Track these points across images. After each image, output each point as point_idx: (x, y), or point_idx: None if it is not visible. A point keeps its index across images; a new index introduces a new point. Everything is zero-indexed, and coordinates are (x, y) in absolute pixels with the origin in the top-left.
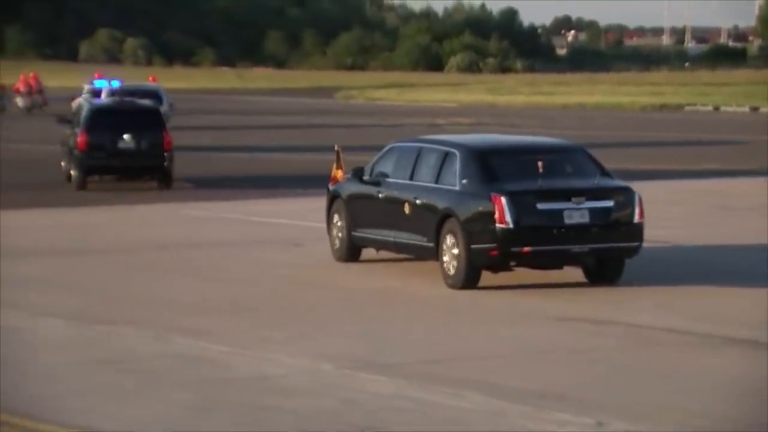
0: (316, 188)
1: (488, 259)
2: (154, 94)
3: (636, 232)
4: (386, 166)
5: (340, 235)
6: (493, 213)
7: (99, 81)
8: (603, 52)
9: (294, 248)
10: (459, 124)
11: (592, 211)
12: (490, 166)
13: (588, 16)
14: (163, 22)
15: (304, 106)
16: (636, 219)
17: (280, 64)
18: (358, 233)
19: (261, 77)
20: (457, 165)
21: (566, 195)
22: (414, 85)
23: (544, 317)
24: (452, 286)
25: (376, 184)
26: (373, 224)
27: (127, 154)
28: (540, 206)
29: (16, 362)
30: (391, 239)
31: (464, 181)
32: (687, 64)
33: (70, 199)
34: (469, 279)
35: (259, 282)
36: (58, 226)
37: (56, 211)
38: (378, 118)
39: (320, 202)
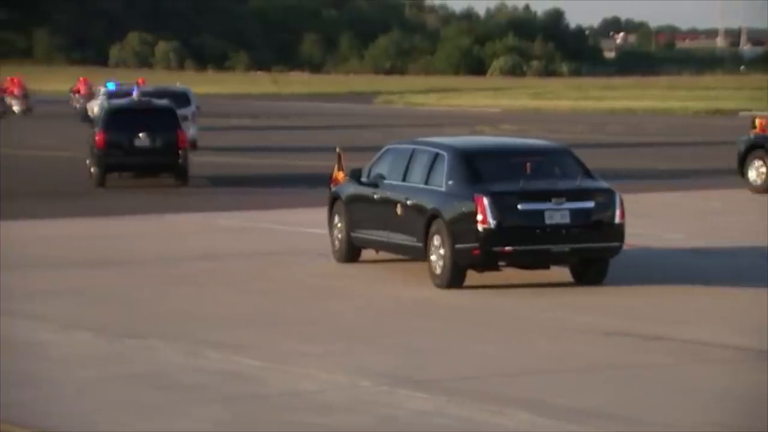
0: None
1: (471, 259)
2: (183, 96)
3: (617, 232)
4: (382, 168)
5: (339, 236)
6: (476, 213)
7: (110, 83)
8: (653, 54)
9: (329, 259)
10: (502, 131)
11: (572, 211)
12: (475, 167)
13: (638, 17)
14: (195, 25)
15: (340, 111)
16: (617, 220)
17: (316, 68)
18: (357, 234)
19: (296, 82)
20: (445, 166)
21: (547, 196)
22: (455, 89)
23: (588, 331)
24: (438, 286)
25: (373, 185)
26: (369, 225)
27: (144, 151)
28: (521, 207)
29: (44, 377)
30: (385, 240)
31: (450, 182)
32: (742, 67)
33: (97, 209)
34: (454, 278)
35: (294, 294)
36: (85, 237)
37: (84, 221)
38: (417, 124)
39: None
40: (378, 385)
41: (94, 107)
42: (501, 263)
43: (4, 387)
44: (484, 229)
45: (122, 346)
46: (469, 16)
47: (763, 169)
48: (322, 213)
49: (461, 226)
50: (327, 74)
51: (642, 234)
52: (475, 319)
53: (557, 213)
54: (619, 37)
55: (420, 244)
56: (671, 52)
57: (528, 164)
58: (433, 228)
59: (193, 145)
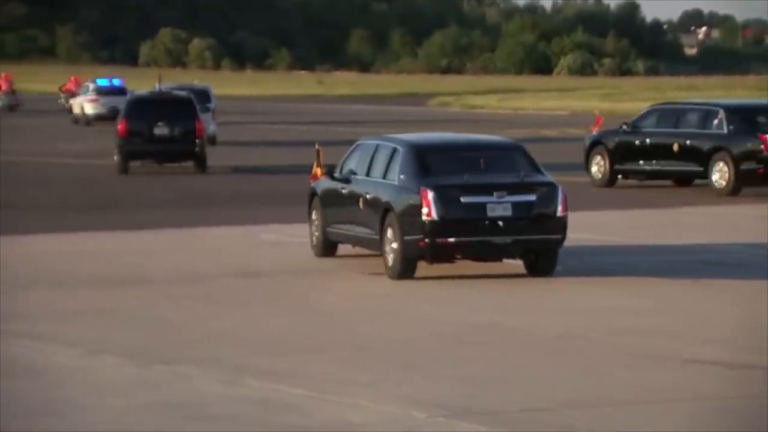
0: None
1: (418, 250)
2: (204, 94)
3: (558, 225)
4: (352, 163)
5: (316, 232)
6: (422, 206)
7: (100, 80)
8: (740, 51)
9: (379, 278)
10: (569, 136)
11: (514, 204)
12: (425, 161)
13: (722, 10)
14: (233, 21)
15: (391, 114)
16: (559, 213)
17: (364, 67)
18: (330, 228)
19: (343, 82)
20: (399, 161)
21: (489, 189)
22: (518, 90)
23: (665, 357)
24: (391, 277)
25: (343, 180)
26: (340, 219)
27: (163, 140)
28: (464, 200)
29: (70, 405)
30: (353, 234)
31: (402, 176)
32: None
33: (126, 222)
34: (404, 269)
35: (342, 316)
36: (113, 252)
37: (112, 236)
38: (476, 128)
39: None
40: (433, 416)
41: (83, 104)
42: (456, 256)
43: (28, 415)
44: (429, 221)
45: (153, 373)
46: (533, 9)
47: (603, 165)
48: None
49: (409, 219)
50: (376, 74)
51: None
52: (540, 345)
53: (499, 206)
54: (702, 32)
55: (377, 237)
56: (760, 48)
57: (477, 159)
58: (387, 221)
59: (212, 141)
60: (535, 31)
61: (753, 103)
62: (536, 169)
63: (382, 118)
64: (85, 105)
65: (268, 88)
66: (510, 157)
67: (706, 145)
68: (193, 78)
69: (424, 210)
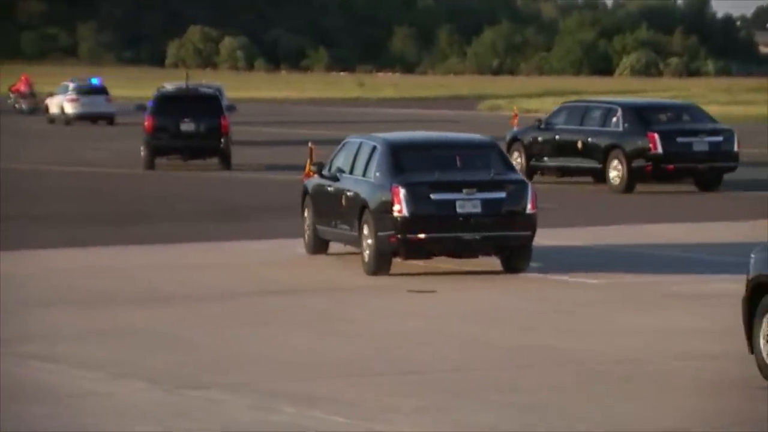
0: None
1: (390, 246)
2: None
3: (528, 222)
4: (339, 161)
5: (308, 230)
6: (393, 202)
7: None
8: None
9: (423, 295)
10: None
11: (484, 201)
12: (399, 159)
13: None
14: (267, 18)
15: (438, 119)
16: (528, 210)
17: (408, 67)
18: (320, 226)
19: (386, 84)
20: (376, 158)
21: (459, 186)
22: (576, 92)
23: (743, 385)
24: (366, 272)
25: (330, 178)
26: (328, 217)
27: (188, 135)
28: (433, 196)
29: None
30: (338, 231)
31: (377, 174)
32: None
33: (153, 236)
34: (378, 265)
35: (384, 337)
36: (138, 268)
37: (138, 250)
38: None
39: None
40: None
41: (63, 104)
42: (430, 252)
43: None
44: (400, 217)
45: (182, 398)
46: (593, 4)
47: (519, 161)
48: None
49: (382, 215)
50: (422, 75)
51: None
52: (605, 372)
53: (468, 203)
54: None
55: (356, 233)
56: None
57: (451, 157)
58: (363, 218)
59: None
60: (595, 27)
61: (649, 102)
62: (509, 168)
63: (427, 123)
64: (65, 105)
65: (305, 90)
66: (484, 156)
67: (604, 143)
68: (224, 79)
69: (396, 207)
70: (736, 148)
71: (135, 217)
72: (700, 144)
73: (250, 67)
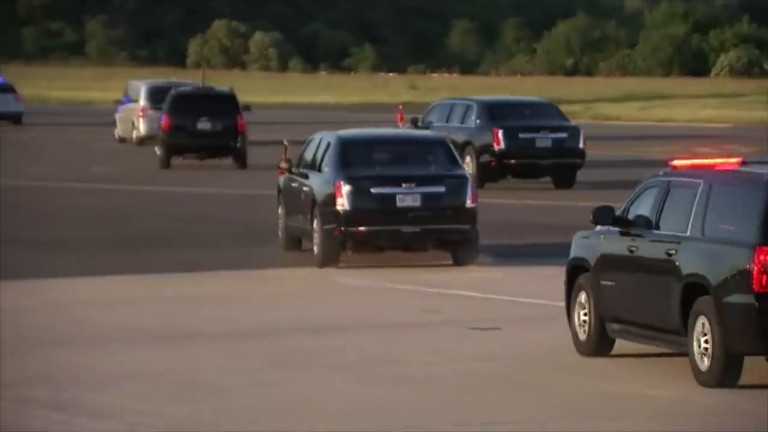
0: (504, 252)
1: (334, 239)
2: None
3: (467, 215)
4: (306, 157)
5: (281, 226)
6: (336, 196)
7: None
8: None
9: (486, 333)
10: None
11: (423, 195)
12: (347, 154)
13: None
14: (304, 11)
15: None
16: (468, 204)
17: (468, 67)
18: (288, 222)
19: (442, 86)
20: (328, 154)
21: (398, 181)
22: (665, 96)
23: None
24: (317, 265)
25: (298, 175)
26: (293, 212)
27: (205, 134)
28: (374, 190)
29: None
30: (299, 225)
31: (326, 169)
32: None
33: (179, 263)
34: (327, 257)
35: (444, 382)
36: (164, 300)
37: (163, 279)
38: (609, 146)
39: (512, 271)
40: None
41: None
42: (378, 246)
43: None
44: (342, 210)
45: None
46: None
47: None
48: (468, 271)
49: (327, 209)
50: (484, 76)
51: None
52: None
53: (408, 196)
54: None
55: (309, 227)
56: None
57: (397, 153)
58: (314, 212)
59: None
60: (687, 20)
61: (504, 99)
62: (453, 163)
63: None
64: None
65: (347, 93)
66: (431, 152)
67: (461, 139)
68: (254, 82)
69: (339, 200)
70: (581, 145)
71: (155, 242)
72: (543, 140)
73: (284, 67)
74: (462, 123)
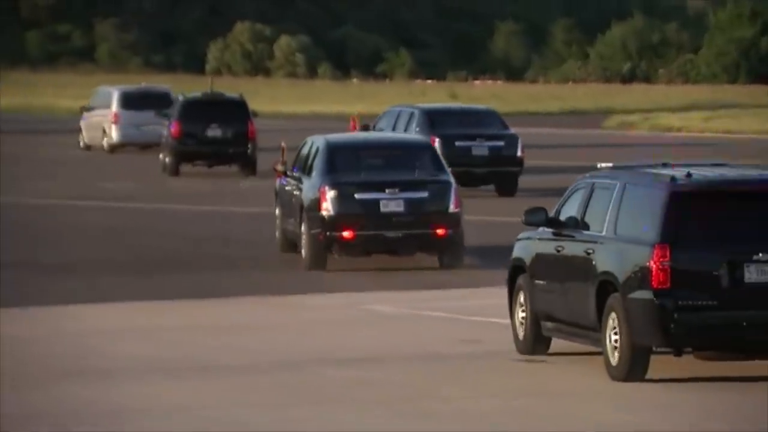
0: None
1: (319, 243)
2: (165, 98)
3: (451, 220)
4: (299, 160)
5: (278, 229)
6: (321, 201)
7: None
8: None
9: (532, 366)
10: None
11: (406, 200)
12: (333, 159)
13: None
14: (334, 12)
15: (552, 140)
16: (451, 209)
17: (514, 73)
18: (283, 224)
19: (485, 94)
20: (316, 158)
21: (382, 186)
22: (731, 105)
23: None
24: (305, 268)
25: (291, 177)
26: (287, 216)
27: (215, 141)
28: (357, 196)
29: None
30: (293, 229)
31: (313, 174)
32: None
33: (190, 287)
34: (314, 261)
35: (486, 420)
36: (186, 329)
37: (184, 306)
38: (669, 158)
39: None
40: None
41: None
42: (364, 251)
43: None
44: (327, 215)
45: None
46: None
47: None
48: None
49: (313, 214)
50: (531, 83)
51: None
52: None
53: (392, 202)
54: None
55: (299, 231)
56: None
57: (383, 158)
58: (302, 216)
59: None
60: (756, 22)
61: (447, 106)
62: (439, 169)
63: (534, 147)
64: None
65: (381, 102)
66: (416, 157)
67: None
68: (279, 89)
69: (324, 205)
70: (519, 153)
71: (170, 264)
72: (480, 148)
73: (313, 73)
74: (405, 131)
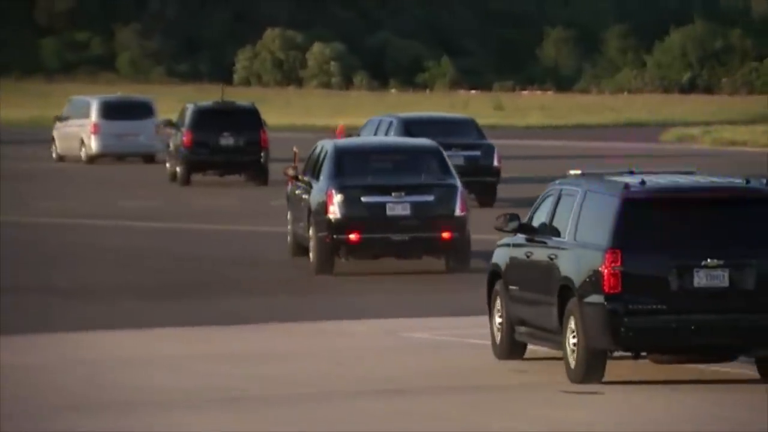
0: None
1: (326, 246)
2: (146, 107)
3: (457, 224)
4: (309, 164)
5: (289, 234)
6: (328, 205)
7: None
8: None
9: (583, 398)
10: None
11: (413, 204)
12: (341, 163)
13: None
14: (371, 18)
15: (604, 154)
16: (457, 212)
17: (565, 83)
18: (295, 228)
19: (532, 106)
20: (325, 162)
21: (389, 190)
22: None
23: None
24: (312, 272)
25: (301, 182)
26: (298, 219)
27: (228, 150)
28: (364, 199)
29: None
30: (302, 233)
31: (322, 177)
32: None
33: (215, 313)
34: (321, 264)
35: None
36: (206, 358)
37: (205, 332)
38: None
39: None
40: None
41: None
42: (372, 254)
43: None
44: (333, 219)
45: None
46: None
47: None
48: None
49: (320, 217)
50: (583, 94)
51: None
52: None
53: (398, 205)
54: None
55: (307, 235)
56: None
57: (390, 161)
58: (310, 219)
59: (151, 159)
60: None
61: (425, 116)
62: (446, 172)
63: (583, 159)
64: None
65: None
66: (424, 160)
67: None
68: (312, 100)
69: (330, 208)
70: (495, 163)
71: (192, 289)
72: (455, 158)
73: (348, 83)
74: None
